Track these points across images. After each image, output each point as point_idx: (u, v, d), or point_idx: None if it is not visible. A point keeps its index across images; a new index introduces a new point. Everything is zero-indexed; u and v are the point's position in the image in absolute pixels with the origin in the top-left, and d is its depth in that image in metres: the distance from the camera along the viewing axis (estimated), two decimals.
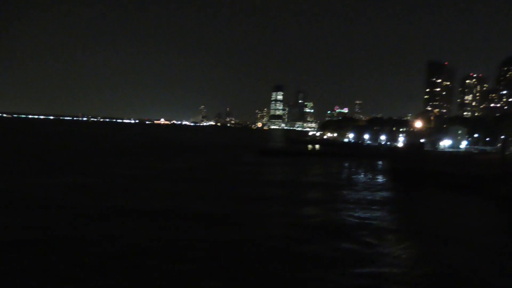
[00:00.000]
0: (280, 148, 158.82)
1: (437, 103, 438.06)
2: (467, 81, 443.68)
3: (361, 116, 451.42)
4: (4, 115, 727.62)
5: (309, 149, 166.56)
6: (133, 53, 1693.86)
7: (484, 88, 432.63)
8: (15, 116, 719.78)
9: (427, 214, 45.75)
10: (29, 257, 25.25)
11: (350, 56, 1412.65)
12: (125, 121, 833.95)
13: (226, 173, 74.17)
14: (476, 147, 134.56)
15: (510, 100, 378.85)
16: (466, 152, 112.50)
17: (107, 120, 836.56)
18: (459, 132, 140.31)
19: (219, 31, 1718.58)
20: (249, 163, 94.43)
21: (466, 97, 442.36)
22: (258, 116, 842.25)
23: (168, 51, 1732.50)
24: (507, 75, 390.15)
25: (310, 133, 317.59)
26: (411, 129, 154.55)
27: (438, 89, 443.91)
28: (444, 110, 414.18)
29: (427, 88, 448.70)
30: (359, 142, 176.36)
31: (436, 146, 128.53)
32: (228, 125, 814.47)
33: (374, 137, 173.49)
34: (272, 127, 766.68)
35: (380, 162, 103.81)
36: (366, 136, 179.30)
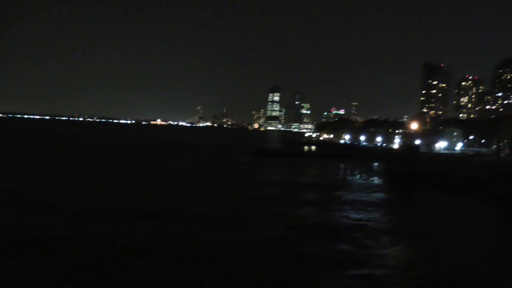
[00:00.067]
0: (277, 149, 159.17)
1: (433, 105, 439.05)
2: (463, 83, 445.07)
3: (358, 118, 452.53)
4: (0, 115, 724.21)
5: (305, 150, 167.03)
6: (130, 53, 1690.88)
7: (480, 90, 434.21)
8: (10, 116, 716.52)
9: (422, 215, 46.15)
10: (28, 257, 25.41)
11: (347, 58, 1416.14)
12: (121, 121, 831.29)
13: (223, 173, 74.41)
14: (471, 149, 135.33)
15: (505, 102, 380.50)
16: (461, 154, 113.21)
17: (104, 120, 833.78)
18: (455, 134, 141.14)
19: (216, 32, 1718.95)
20: (246, 164, 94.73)
21: (462, 99, 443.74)
22: (255, 117, 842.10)
23: (165, 51, 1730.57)
24: (503, 78, 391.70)
25: (307, 134, 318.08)
26: (407, 130, 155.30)
27: (434, 91, 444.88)
28: (440, 112, 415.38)
29: (423, 90, 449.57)
30: (355, 143, 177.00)
31: (432, 148, 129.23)
32: (225, 126, 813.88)
33: (370, 138, 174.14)
34: (269, 128, 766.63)
35: (376, 164, 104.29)
36: (362, 138, 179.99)
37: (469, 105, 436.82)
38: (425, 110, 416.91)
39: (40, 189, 48.49)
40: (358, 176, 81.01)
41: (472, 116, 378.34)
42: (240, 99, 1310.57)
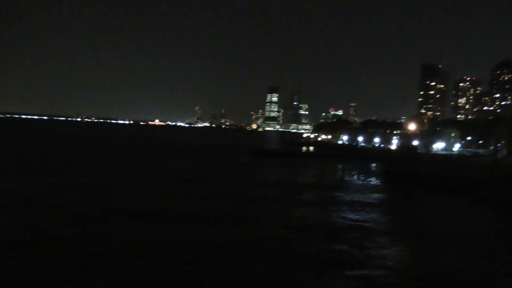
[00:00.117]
0: (275, 149, 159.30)
1: (431, 105, 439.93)
2: (461, 84, 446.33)
3: (356, 119, 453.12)
4: None
5: (303, 151, 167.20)
6: (128, 54, 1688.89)
7: (478, 91, 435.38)
8: (8, 116, 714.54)
9: (420, 216, 46.40)
10: (28, 257, 25.51)
11: (346, 59, 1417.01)
12: (119, 121, 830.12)
13: (221, 174, 74.55)
14: (469, 149, 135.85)
15: (503, 103, 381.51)
16: (459, 155, 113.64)
17: (102, 120, 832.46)
18: (452, 134, 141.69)
19: (215, 32, 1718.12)
20: (244, 164, 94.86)
21: (459, 100, 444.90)
22: (253, 117, 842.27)
23: (164, 52, 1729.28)
24: (500, 79, 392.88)
25: (305, 135, 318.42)
26: (405, 131, 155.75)
27: (432, 92, 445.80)
28: (438, 113, 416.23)
29: (421, 91, 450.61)
30: (353, 144, 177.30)
31: (430, 149, 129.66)
32: (223, 126, 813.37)
33: (368, 139, 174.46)
34: (267, 128, 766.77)
35: (373, 164, 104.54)
36: (360, 138, 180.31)
37: (467, 106, 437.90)
38: (423, 111, 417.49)
39: (40, 189, 48.56)
40: (356, 176, 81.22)
41: (470, 117, 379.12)
42: (238, 100, 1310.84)
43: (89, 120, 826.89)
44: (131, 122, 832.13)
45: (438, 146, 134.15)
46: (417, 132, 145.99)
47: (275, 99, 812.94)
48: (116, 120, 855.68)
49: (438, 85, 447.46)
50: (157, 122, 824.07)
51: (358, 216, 42.03)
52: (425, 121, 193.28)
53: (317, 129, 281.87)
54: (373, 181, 74.76)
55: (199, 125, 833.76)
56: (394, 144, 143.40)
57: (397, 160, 79.12)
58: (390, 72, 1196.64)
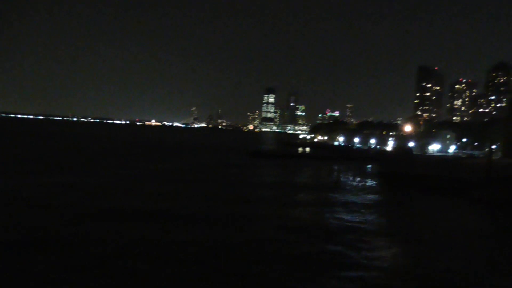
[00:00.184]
0: (271, 150, 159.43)
1: (427, 107, 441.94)
2: (457, 86, 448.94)
3: (352, 120, 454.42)
4: None
5: (299, 152, 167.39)
6: (125, 54, 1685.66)
7: (473, 93, 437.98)
8: (3, 116, 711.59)
9: (414, 217, 46.47)
10: (26, 258, 25.35)
11: (343, 60, 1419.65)
12: (115, 122, 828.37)
13: (217, 174, 74.52)
14: (464, 151, 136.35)
15: (498, 105, 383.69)
16: (454, 157, 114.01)
17: (98, 120, 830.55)
18: (448, 136, 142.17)
19: (212, 33, 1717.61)
20: (240, 165, 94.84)
21: (455, 102, 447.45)
22: (250, 118, 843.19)
23: (161, 52, 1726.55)
24: (496, 81, 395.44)
25: (301, 136, 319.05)
26: (401, 133, 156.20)
27: (428, 94, 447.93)
28: (434, 115, 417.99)
29: (417, 93, 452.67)
30: (349, 145, 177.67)
31: (425, 150, 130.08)
32: (220, 127, 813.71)
33: (364, 140, 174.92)
34: (264, 129, 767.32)
35: (369, 166, 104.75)
36: (356, 140, 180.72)
37: (463, 108, 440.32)
38: (419, 113, 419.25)
39: (37, 189, 48.35)
40: (352, 178, 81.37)
41: (465, 118, 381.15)
42: (235, 100, 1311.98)
43: (85, 120, 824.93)
44: (127, 122, 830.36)
45: (434, 147, 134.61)
46: (413, 133, 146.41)
47: (272, 100, 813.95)
48: (112, 120, 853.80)
49: (434, 87, 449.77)
50: (153, 122, 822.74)
51: (353, 217, 42.08)
52: (421, 122, 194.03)
53: (314, 130, 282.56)
54: (369, 182, 74.89)
55: (196, 125, 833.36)
56: (390, 145, 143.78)
57: (393, 162, 79.34)
58: (387, 74, 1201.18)
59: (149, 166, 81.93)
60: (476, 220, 47.61)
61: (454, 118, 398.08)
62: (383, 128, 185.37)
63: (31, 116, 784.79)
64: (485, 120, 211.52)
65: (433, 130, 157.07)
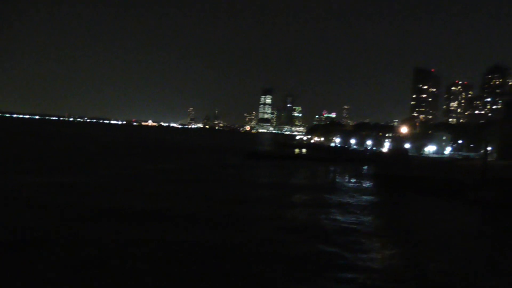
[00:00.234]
0: (267, 151, 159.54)
1: (423, 109, 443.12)
2: (453, 88, 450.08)
3: (349, 121, 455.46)
4: None
5: (296, 153, 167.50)
6: (121, 54, 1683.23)
7: (469, 95, 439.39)
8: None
9: (410, 219, 46.64)
10: (20, 259, 25.22)
11: (339, 62, 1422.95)
12: (112, 122, 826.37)
13: (213, 175, 74.48)
14: (460, 153, 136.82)
15: (494, 107, 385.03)
16: (450, 158, 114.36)
17: (94, 120, 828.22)
18: (444, 138, 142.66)
19: (209, 33, 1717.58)
20: (236, 166, 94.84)
21: (451, 104, 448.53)
22: (247, 119, 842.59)
23: (157, 52, 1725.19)
24: (491, 83, 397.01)
25: (298, 137, 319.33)
26: (397, 134, 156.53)
27: (424, 96, 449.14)
28: (430, 116, 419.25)
29: (413, 94, 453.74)
30: (346, 146, 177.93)
31: (421, 152, 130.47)
32: (216, 128, 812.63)
33: (361, 142, 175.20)
34: (260, 130, 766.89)
35: (365, 167, 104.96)
36: (353, 141, 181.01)
37: (459, 110, 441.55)
38: (416, 114, 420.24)
39: (32, 189, 48.18)
40: (348, 179, 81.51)
41: (461, 120, 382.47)
42: (232, 101, 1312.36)
43: (82, 120, 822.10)
44: (124, 122, 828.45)
45: (430, 149, 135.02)
46: (409, 135, 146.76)
47: (268, 101, 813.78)
48: (109, 120, 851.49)
49: (430, 89, 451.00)
50: (150, 122, 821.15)
51: (349, 219, 42.11)
52: (417, 124, 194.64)
53: (310, 131, 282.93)
54: (365, 183, 75.05)
55: (193, 126, 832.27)
56: (386, 147, 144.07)
57: (389, 163, 79.52)
58: (383, 75, 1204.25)
59: (146, 166, 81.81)
60: (472, 222, 47.77)
61: (450, 119, 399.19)
62: (380, 130, 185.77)
63: (27, 116, 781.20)
64: (480, 122, 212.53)
65: (429, 132, 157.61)
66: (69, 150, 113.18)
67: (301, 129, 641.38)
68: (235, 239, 31.82)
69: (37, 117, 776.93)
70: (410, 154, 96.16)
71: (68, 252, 26.72)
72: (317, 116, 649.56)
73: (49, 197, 44.07)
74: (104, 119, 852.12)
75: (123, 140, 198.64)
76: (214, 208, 43.43)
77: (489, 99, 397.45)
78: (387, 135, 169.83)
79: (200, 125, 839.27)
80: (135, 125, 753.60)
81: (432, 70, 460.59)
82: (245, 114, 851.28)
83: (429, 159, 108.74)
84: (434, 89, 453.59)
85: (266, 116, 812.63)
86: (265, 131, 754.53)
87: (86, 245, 28.43)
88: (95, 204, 42.21)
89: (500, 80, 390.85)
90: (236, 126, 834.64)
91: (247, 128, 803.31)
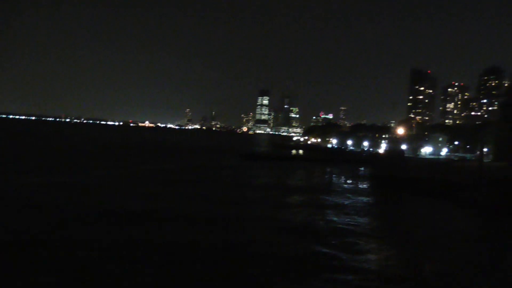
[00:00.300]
0: (265, 152, 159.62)
1: (420, 110, 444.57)
2: (449, 89, 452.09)
3: (346, 122, 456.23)
4: None
5: (293, 154, 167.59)
6: (119, 54, 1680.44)
7: (466, 97, 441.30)
8: None
9: (405, 220, 46.70)
10: (14, 261, 25.07)
11: (336, 63, 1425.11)
12: (109, 123, 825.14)
13: (210, 176, 74.37)
14: (456, 154, 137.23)
15: (490, 108, 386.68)
16: (446, 159, 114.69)
17: (91, 121, 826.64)
18: (440, 139, 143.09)
19: (206, 34, 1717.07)
20: (233, 167, 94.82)
21: (448, 105, 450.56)
22: (244, 120, 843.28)
23: (154, 53, 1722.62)
24: (488, 85, 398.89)
25: (295, 138, 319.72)
26: (394, 135, 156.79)
27: (421, 97, 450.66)
28: (427, 118, 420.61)
29: (410, 96, 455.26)
30: (342, 147, 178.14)
31: (417, 153, 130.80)
32: (214, 129, 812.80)
33: (357, 143, 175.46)
34: (258, 131, 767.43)
35: (362, 168, 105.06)
36: (349, 142, 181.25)
37: (455, 111, 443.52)
38: (412, 116, 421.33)
39: (32, 189, 48.13)
40: (344, 180, 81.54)
41: (457, 122, 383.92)
42: (229, 102, 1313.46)
43: (78, 121, 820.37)
44: (121, 123, 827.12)
45: (426, 150, 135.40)
46: (406, 136, 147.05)
47: (266, 102, 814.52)
48: (106, 121, 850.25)
49: (427, 90, 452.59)
50: (147, 123, 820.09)
51: (345, 220, 42.10)
52: (414, 125, 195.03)
53: (307, 132, 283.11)
54: (361, 184, 75.09)
55: (189, 127, 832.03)
56: (383, 148, 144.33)
57: (385, 164, 79.62)
58: (380, 76, 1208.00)
59: (143, 167, 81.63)
60: (467, 223, 47.84)
61: (447, 121, 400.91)
62: (376, 131, 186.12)
63: (23, 117, 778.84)
64: (477, 123, 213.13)
65: (426, 133, 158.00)
66: (67, 151, 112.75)
67: (298, 130, 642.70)
68: (231, 240, 31.79)
69: (33, 118, 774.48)
70: (406, 155, 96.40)
71: (68, 253, 26.65)
72: (314, 117, 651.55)
73: (48, 198, 44.00)
74: (101, 120, 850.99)
75: (120, 141, 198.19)
76: (211, 209, 43.40)
77: (485, 101, 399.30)
78: (383, 136, 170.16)
79: (197, 126, 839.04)
80: (132, 126, 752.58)
81: (429, 71, 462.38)
82: (242, 115, 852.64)
83: (425, 160, 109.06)
84: (431, 91, 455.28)
85: (263, 117, 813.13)
86: (262, 132, 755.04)
87: (85, 245, 28.33)
88: (93, 204, 42.13)
89: (496, 81, 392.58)
90: (233, 127, 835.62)
91: (244, 129, 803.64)
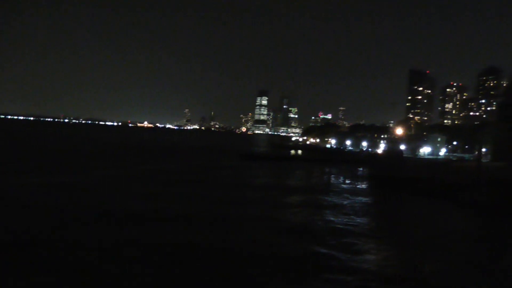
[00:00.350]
0: (263, 152, 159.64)
1: (418, 110, 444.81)
2: (448, 89, 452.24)
3: (344, 123, 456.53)
4: None
5: (291, 154, 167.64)
6: (117, 55, 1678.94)
7: (464, 97, 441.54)
8: None
9: (403, 220, 46.75)
10: (11, 261, 25.10)
11: (335, 63, 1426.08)
12: (107, 123, 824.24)
13: (209, 176, 74.39)
14: (454, 154, 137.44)
15: (488, 109, 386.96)
16: (444, 159, 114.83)
17: (89, 122, 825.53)
18: (439, 139, 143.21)
19: (205, 35, 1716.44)
20: (232, 167, 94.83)
21: (446, 105, 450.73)
22: (243, 120, 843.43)
23: (153, 53, 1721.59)
24: (486, 85, 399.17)
25: (293, 139, 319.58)
26: (392, 136, 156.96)
27: (419, 97, 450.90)
28: (425, 118, 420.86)
29: (409, 96, 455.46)
30: (341, 148, 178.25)
31: (416, 153, 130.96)
32: (212, 129, 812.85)
33: (356, 143, 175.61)
34: (256, 131, 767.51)
35: (360, 168, 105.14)
36: (348, 142, 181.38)
37: (454, 111, 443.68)
38: (411, 116, 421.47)
39: (31, 190, 48.09)
40: (343, 180, 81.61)
41: (456, 122, 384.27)
42: (228, 103, 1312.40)
43: (77, 121, 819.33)
44: (120, 123, 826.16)
45: (425, 150, 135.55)
46: (404, 136, 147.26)
47: (264, 102, 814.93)
48: (104, 121, 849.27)
49: (425, 90, 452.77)
50: (145, 124, 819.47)
51: (343, 220, 42.16)
52: (412, 125, 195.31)
53: (306, 132, 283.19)
54: (359, 184, 75.15)
55: (188, 127, 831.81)
56: (382, 148, 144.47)
57: (384, 164, 79.71)
58: (379, 77, 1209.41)
59: (142, 167, 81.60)
60: (466, 223, 47.94)
61: (445, 121, 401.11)
62: (375, 131, 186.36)
63: (22, 117, 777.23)
64: (475, 123, 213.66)
65: (424, 133, 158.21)
66: (66, 151, 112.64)
67: (297, 130, 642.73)
68: (230, 240, 31.82)
69: (32, 118, 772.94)
70: (405, 155, 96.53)
71: (68, 253, 26.67)
72: (313, 118, 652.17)
73: (48, 198, 44.00)
74: (99, 120, 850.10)
75: (119, 141, 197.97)
76: (211, 209, 43.43)
77: (483, 101, 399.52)
78: (382, 136, 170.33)
79: (196, 127, 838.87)
80: (131, 126, 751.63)
81: (428, 71, 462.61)
82: (241, 115, 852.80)
83: (424, 161, 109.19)
84: (429, 91, 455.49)
85: (262, 117, 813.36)
86: (261, 132, 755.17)
87: (85, 245, 28.36)
88: (93, 205, 42.13)
89: (495, 82, 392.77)
90: (232, 127, 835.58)
91: (243, 129, 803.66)
